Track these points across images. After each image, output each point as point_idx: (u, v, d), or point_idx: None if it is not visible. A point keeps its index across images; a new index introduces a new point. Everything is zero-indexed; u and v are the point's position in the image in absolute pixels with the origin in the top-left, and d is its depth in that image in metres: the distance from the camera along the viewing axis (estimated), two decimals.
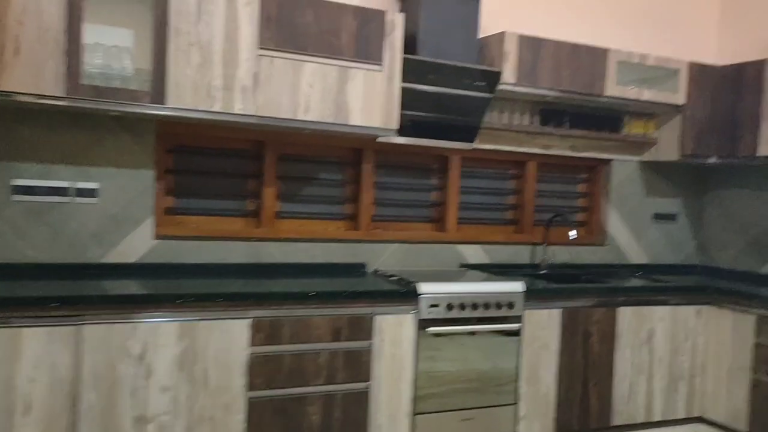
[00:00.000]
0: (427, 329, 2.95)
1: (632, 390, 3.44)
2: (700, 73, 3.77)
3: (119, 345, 2.42)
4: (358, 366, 2.82)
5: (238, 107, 2.75)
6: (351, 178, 3.49)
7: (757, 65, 3.63)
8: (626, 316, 3.40)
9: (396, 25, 3.01)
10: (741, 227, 4.06)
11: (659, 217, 4.17)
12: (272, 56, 2.79)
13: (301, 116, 2.87)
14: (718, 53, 4.22)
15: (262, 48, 2.77)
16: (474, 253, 3.69)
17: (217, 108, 2.71)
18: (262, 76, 2.78)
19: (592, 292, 3.32)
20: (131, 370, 2.44)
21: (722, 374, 3.53)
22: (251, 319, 2.62)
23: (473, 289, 3.06)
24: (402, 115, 3.11)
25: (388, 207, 3.58)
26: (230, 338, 2.59)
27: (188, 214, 3.15)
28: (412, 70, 3.08)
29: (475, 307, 3.04)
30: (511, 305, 3.11)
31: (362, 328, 2.83)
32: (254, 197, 3.28)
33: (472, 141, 3.35)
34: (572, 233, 3.63)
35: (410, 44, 3.20)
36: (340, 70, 2.92)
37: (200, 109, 2.68)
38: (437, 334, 2.98)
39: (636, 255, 4.12)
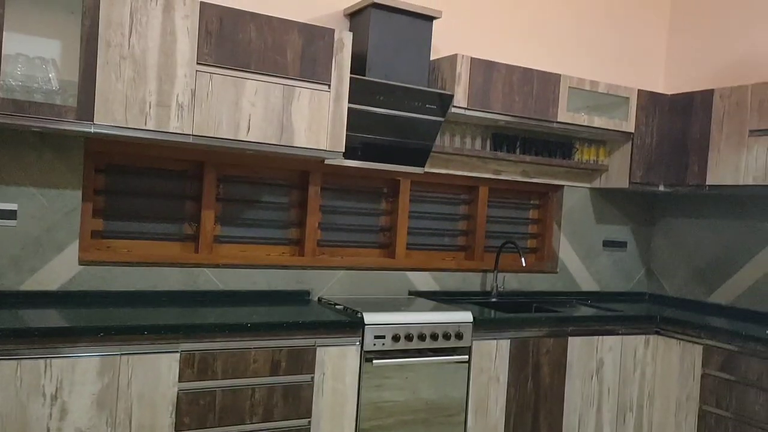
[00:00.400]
0: (372, 361, 2.81)
1: (581, 422, 3.37)
2: (649, 101, 3.78)
3: (30, 383, 2.21)
4: (298, 401, 2.66)
5: (174, 125, 2.58)
6: (296, 202, 3.34)
7: (705, 94, 3.65)
8: (576, 346, 3.33)
9: (344, 44, 2.90)
10: (688, 256, 4.07)
11: (609, 244, 4.15)
12: (212, 72, 2.64)
13: (242, 136, 2.72)
14: (666, 82, 4.25)
15: (200, 63, 2.61)
16: (423, 281, 3.58)
17: (150, 126, 2.54)
18: (201, 93, 2.62)
19: (542, 322, 3.25)
20: (43, 411, 2.23)
21: (670, 405, 3.49)
22: (180, 353, 2.43)
23: (421, 319, 2.94)
24: (350, 137, 2.99)
25: (335, 232, 3.45)
26: (157, 374, 2.40)
27: (118, 237, 2.95)
28: (361, 91, 2.98)
29: (422, 338, 2.92)
30: (459, 336, 3.00)
31: (303, 361, 2.67)
32: (192, 220, 3.10)
33: (422, 165, 3.25)
34: (523, 260, 3.56)
35: (359, 64, 3.09)
36: (284, 89, 2.78)
37: (132, 126, 2.51)
38: (383, 366, 2.84)
39: (586, 282, 4.08)
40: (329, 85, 2.88)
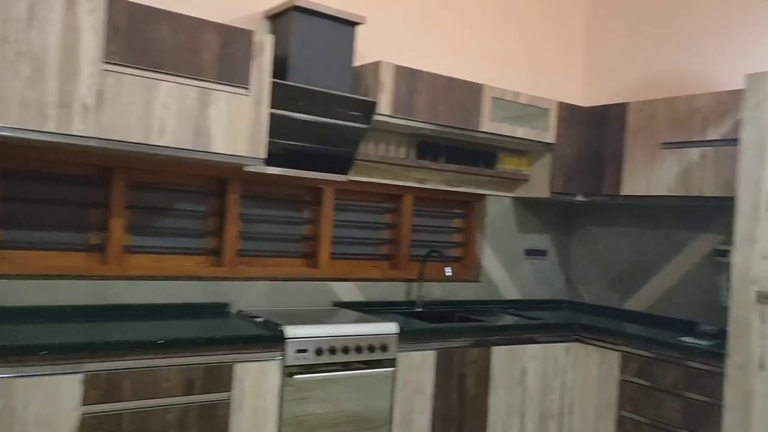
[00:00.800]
0: (294, 376, 2.70)
1: (505, 431, 3.37)
2: (568, 113, 3.86)
3: None
4: (215, 421, 2.52)
5: (78, 128, 2.40)
6: (214, 210, 3.19)
7: (620, 107, 3.76)
8: (500, 355, 3.34)
9: (264, 46, 2.79)
10: (605, 264, 4.17)
11: (531, 252, 4.21)
12: (120, 72, 2.47)
13: (154, 140, 2.56)
14: (584, 94, 4.37)
15: (108, 62, 2.44)
16: (347, 291, 3.50)
17: (51, 128, 2.35)
18: (108, 94, 2.45)
19: (467, 332, 3.23)
20: None
21: (590, 411, 3.55)
22: (83, 374, 2.24)
23: (345, 331, 2.85)
24: (271, 144, 2.88)
25: (255, 241, 3.31)
26: (57, 397, 2.20)
27: (15, 248, 2.71)
28: (282, 96, 2.87)
29: (346, 351, 2.83)
30: (384, 348, 2.93)
31: (220, 379, 2.53)
32: (99, 229, 2.90)
33: (346, 173, 3.18)
34: (448, 270, 3.54)
35: (280, 68, 2.99)
36: (200, 91, 2.65)
37: (30, 128, 2.31)
38: (306, 381, 2.73)
39: (509, 291, 4.11)
40: (248, 89, 2.76)
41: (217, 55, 2.68)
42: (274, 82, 2.84)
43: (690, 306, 3.70)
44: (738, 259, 2.91)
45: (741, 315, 2.88)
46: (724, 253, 3.54)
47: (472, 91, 3.47)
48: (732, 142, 3.22)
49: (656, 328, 3.66)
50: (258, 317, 2.95)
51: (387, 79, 3.19)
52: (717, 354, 3.02)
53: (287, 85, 2.89)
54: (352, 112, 3.08)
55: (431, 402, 3.10)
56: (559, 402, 3.58)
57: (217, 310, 3.10)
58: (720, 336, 3.33)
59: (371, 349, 2.89)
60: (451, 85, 3.40)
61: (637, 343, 3.35)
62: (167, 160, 2.87)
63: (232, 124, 2.72)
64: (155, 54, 2.54)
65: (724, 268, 3.51)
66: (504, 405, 3.35)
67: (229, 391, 2.55)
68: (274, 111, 2.86)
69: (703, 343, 3.18)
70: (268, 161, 2.90)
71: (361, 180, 3.51)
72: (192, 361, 2.47)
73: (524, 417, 3.44)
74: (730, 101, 3.25)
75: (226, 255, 3.17)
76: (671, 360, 3.21)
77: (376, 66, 3.20)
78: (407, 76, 3.25)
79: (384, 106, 3.18)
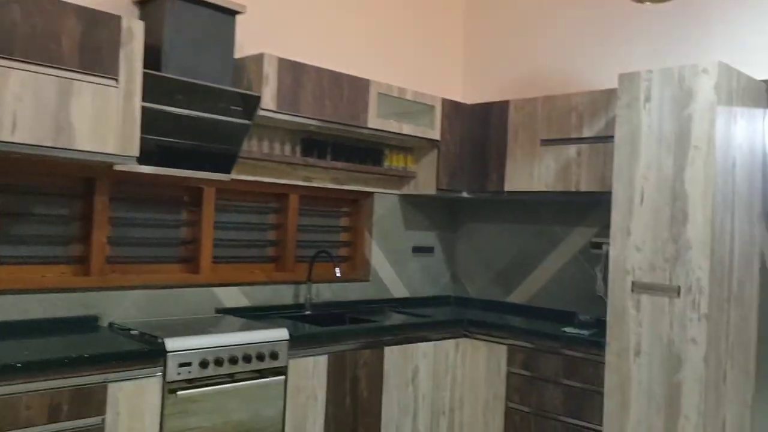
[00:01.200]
0: (177, 393, 2.49)
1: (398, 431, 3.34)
2: (452, 110, 3.89)
3: None
4: None
5: None
6: (80, 214, 2.88)
7: (502, 105, 3.85)
8: (393, 355, 3.29)
9: (134, 34, 2.55)
10: (488, 259, 4.26)
11: (418, 250, 4.21)
12: None
13: (6, 137, 2.25)
14: (465, 92, 4.43)
15: None
16: (232, 296, 3.31)
17: None
18: None
19: (359, 334, 3.15)
20: None
21: (479, 405, 3.60)
22: None
23: (231, 340, 2.68)
24: (145, 141, 2.64)
25: (128, 247, 3.04)
26: None
27: None
28: (156, 89, 2.64)
29: (234, 361, 2.65)
30: (275, 355, 2.79)
31: (91, 402, 2.27)
32: None
33: (228, 171, 2.99)
34: (338, 270, 3.44)
35: (154, 59, 2.75)
36: (61, 82, 2.36)
37: None
38: (190, 397, 2.53)
39: (397, 289, 4.09)
40: (117, 80, 2.51)
41: (79, 42, 2.40)
42: (146, 74, 2.60)
43: (568, 297, 3.86)
44: (614, 251, 3.05)
45: (618, 304, 3.02)
46: (599, 246, 3.72)
47: (358, 87, 3.39)
48: (605, 139, 3.37)
49: (538, 319, 3.78)
50: (133, 330, 2.70)
51: (270, 73, 3.03)
52: (596, 342, 3.15)
53: (161, 76, 2.66)
54: (233, 107, 2.89)
55: (324, 408, 2.99)
56: (450, 398, 3.60)
57: (86, 324, 2.81)
58: (596, 325, 3.49)
59: (261, 357, 2.73)
60: (337, 79, 3.30)
61: (522, 336, 3.44)
62: (23, 158, 2.54)
63: (99, 119, 2.46)
64: (4, 39, 2.23)
65: (599, 260, 3.69)
66: (396, 405, 3.32)
67: (102, 415, 2.30)
68: (148, 105, 2.62)
69: (584, 332, 3.31)
70: (142, 159, 2.65)
71: (244, 179, 3.33)
72: (57, 384, 2.20)
73: (416, 416, 3.42)
74: (604, 100, 3.40)
75: (94, 263, 2.87)
76: (553, 350, 3.31)
77: (258, 58, 3.03)
78: (292, 69, 3.11)
79: (268, 100, 3.02)
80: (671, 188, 2.88)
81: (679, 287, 2.84)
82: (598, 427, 3.12)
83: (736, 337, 3.00)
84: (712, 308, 2.79)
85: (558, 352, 3.30)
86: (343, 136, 3.65)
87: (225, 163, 2.97)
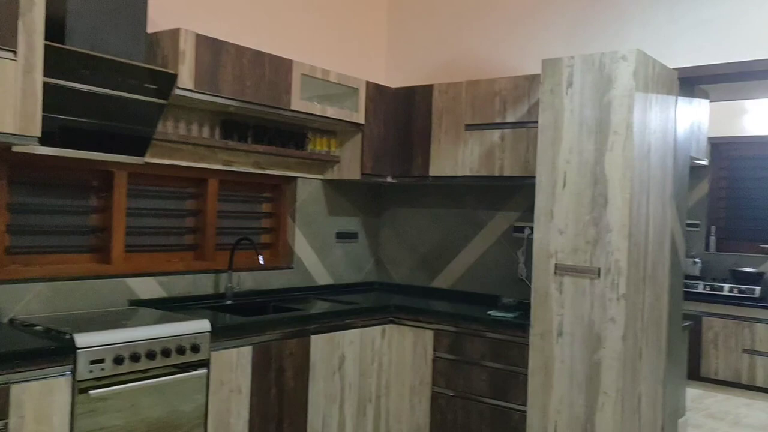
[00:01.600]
0: (89, 392, 2.31)
1: (325, 422, 3.27)
2: (376, 93, 3.83)
3: None
4: None
5: None
6: None
7: (426, 89, 3.82)
8: (319, 344, 3.22)
9: (35, 2, 2.32)
10: (413, 244, 4.25)
11: (342, 236, 4.14)
12: None
13: None
14: (390, 75, 4.38)
15: None
16: (147, 287, 3.12)
17: None
18: None
19: (284, 323, 3.05)
20: None
21: (405, 391, 3.59)
22: None
23: (147, 334, 2.52)
24: (47, 119, 2.42)
25: (29, 236, 2.80)
26: None
27: None
28: (60, 63, 2.42)
29: (151, 356, 2.50)
30: (196, 348, 2.65)
31: None
32: None
33: (142, 154, 2.80)
34: (261, 258, 3.32)
35: (56, 30, 2.52)
36: None
37: None
38: (104, 396, 2.36)
39: (321, 276, 4.00)
40: (15, 53, 2.28)
41: None
42: (48, 46, 2.37)
43: (492, 280, 3.91)
44: (538, 234, 3.09)
45: (541, 286, 3.07)
46: (521, 229, 3.78)
47: (281, 67, 3.27)
48: (529, 124, 3.42)
49: (463, 303, 3.81)
50: (37, 325, 2.49)
51: (188, 50, 2.86)
52: (521, 325, 3.20)
53: (64, 49, 2.44)
54: (146, 85, 2.71)
55: (249, 401, 2.88)
56: (377, 385, 3.57)
57: None
58: (519, 307, 3.55)
59: (181, 351, 2.59)
60: (259, 59, 3.16)
61: (447, 320, 3.45)
62: None
63: None
64: None
65: (521, 244, 3.75)
66: (323, 395, 3.25)
67: (5, 419, 2.10)
68: (50, 80, 2.40)
69: (508, 315, 3.36)
70: (44, 140, 2.43)
71: (159, 162, 3.14)
72: None
73: (343, 405, 3.37)
74: (527, 85, 3.44)
75: None
76: (479, 334, 3.34)
77: (174, 33, 2.85)
78: (211, 46, 2.95)
79: (185, 79, 2.85)
80: (592, 172, 2.95)
81: (599, 269, 2.91)
82: (522, 408, 3.17)
83: (650, 315, 3.12)
84: (630, 288, 2.88)
85: (483, 335, 3.33)
86: (264, 119, 3.51)
87: (138, 146, 2.78)
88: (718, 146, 6.16)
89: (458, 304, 3.75)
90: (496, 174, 3.53)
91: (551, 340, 3.03)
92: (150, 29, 2.96)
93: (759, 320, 5.49)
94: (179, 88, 2.83)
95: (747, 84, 4.23)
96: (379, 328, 3.57)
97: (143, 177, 3.19)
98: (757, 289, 5.62)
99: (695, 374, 5.66)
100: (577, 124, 2.99)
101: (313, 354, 3.18)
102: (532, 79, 3.41)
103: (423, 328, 3.53)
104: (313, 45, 3.89)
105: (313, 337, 3.18)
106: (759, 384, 5.48)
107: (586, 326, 2.94)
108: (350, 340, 3.39)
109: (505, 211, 3.88)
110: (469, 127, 3.64)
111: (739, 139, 5.94)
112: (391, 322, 3.64)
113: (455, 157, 3.68)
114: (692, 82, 3.47)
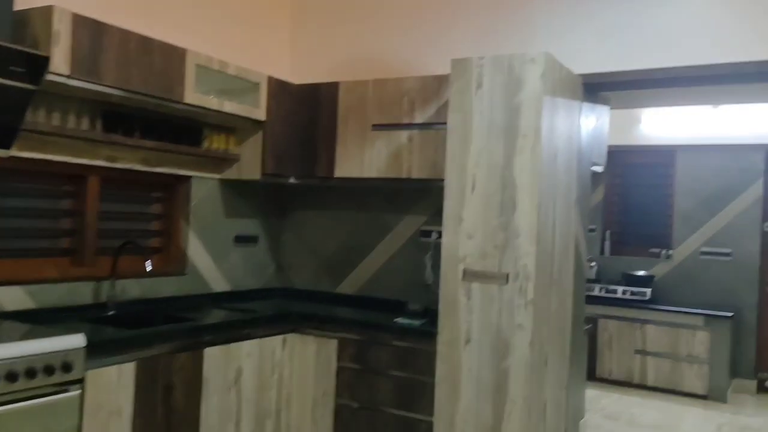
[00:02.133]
0: None
1: None
2: (279, 89, 3.61)
3: None
4: None
5: None
6: None
7: (332, 87, 3.65)
8: (213, 357, 2.96)
9: None
10: (316, 249, 4.07)
11: (241, 240, 3.88)
12: None
13: None
14: (294, 70, 4.17)
15: None
16: (12, 298, 2.75)
17: None
18: None
19: (173, 335, 2.78)
20: None
21: (307, 404, 3.39)
22: None
23: (10, 352, 2.19)
24: None
25: None
26: None
27: None
28: None
29: (12, 378, 2.17)
30: (68, 367, 2.33)
31: None
32: None
33: (7, 147, 2.45)
34: (148, 264, 3.02)
35: None
36: None
37: None
38: None
39: (218, 282, 3.73)
40: None
41: None
42: None
43: (398, 286, 3.79)
44: (446, 238, 3.00)
45: (449, 293, 2.98)
46: (429, 234, 3.69)
47: (173, 56, 2.99)
48: (437, 125, 3.32)
49: (368, 310, 3.66)
50: None
51: (63, 30, 2.54)
52: (428, 332, 3.09)
53: None
54: (13, 68, 2.37)
55: (131, 424, 2.59)
56: (276, 399, 3.35)
57: None
58: (426, 314, 3.44)
59: (49, 370, 2.27)
60: (147, 45, 2.87)
61: (352, 328, 3.29)
62: None
63: None
64: None
65: (428, 248, 3.66)
66: (217, 413, 2.99)
67: None
68: None
69: (416, 322, 3.24)
70: None
71: (28, 156, 2.78)
72: None
73: (240, 422, 3.12)
74: (436, 85, 3.34)
75: None
76: (385, 342, 3.21)
77: (47, 12, 2.52)
78: (90, 28, 2.64)
79: (59, 63, 2.53)
80: (501, 176, 2.88)
81: (507, 274, 2.85)
82: (428, 418, 3.06)
83: (556, 321, 3.10)
84: (538, 294, 2.84)
85: (389, 343, 3.20)
86: (154, 111, 3.21)
87: (2, 137, 2.43)
88: (613, 153, 6.38)
89: (364, 311, 3.60)
90: (404, 176, 3.42)
91: (459, 348, 2.94)
92: (19, 5, 2.61)
93: (649, 321, 5.72)
94: (52, 73, 2.51)
95: (647, 92, 4.37)
96: (279, 337, 3.35)
97: (9, 172, 2.81)
98: (648, 291, 5.86)
99: (591, 375, 5.82)
100: (486, 127, 2.92)
101: (206, 368, 2.92)
102: (441, 80, 3.32)
103: (326, 337, 3.35)
104: (211, 35, 3.62)
105: (206, 350, 2.92)
106: (650, 383, 5.71)
107: (494, 333, 2.87)
108: (248, 352, 3.15)
109: (413, 215, 3.77)
110: (377, 127, 3.51)
111: (633, 147, 6.18)
112: (293, 331, 3.43)
113: (362, 158, 3.54)
114: (595, 88, 3.50)
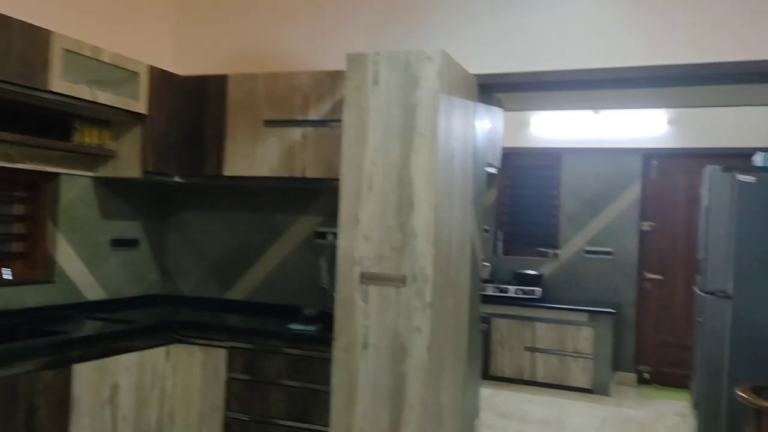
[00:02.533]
0: None
1: None
2: (162, 80, 3.35)
3: None
4: None
5: None
6: None
7: (220, 80, 3.43)
8: (84, 374, 2.67)
9: None
10: (203, 252, 3.82)
11: (118, 243, 3.57)
12: None
13: None
14: (178, 60, 3.89)
15: None
16: None
17: None
18: None
19: (36, 351, 2.48)
20: None
21: (193, 419, 3.16)
22: None
23: None
24: None
25: None
26: None
27: None
28: None
29: None
30: None
31: None
32: None
33: None
34: (6, 271, 2.68)
35: None
36: None
37: None
38: None
39: (92, 290, 3.40)
40: None
41: None
42: None
43: (292, 291, 3.62)
44: (342, 240, 2.88)
45: (346, 296, 2.86)
46: (324, 235, 3.55)
47: (36, 38, 2.68)
48: (332, 123, 3.19)
49: (260, 316, 3.48)
50: None
51: None
52: (323, 338, 2.96)
53: None
54: None
55: None
56: (158, 415, 3.09)
57: None
58: (322, 319, 3.30)
59: None
60: (4, 24, 2.54)
61: (242, 337, 3.10)
62: None
63: None
64: None
65: (324, 250, 3.52)
66: None
67: None
68: None
69: (310, 328, 3.10)
70: None
71: None
72: None
73: None
74: (330, 81, 3.22)
75: None
76: (277, 350, 3.04)
77: None
78: None
79: None
80: (398, 175, 2.80)
81: (405, 276, 2.77)
82: (324, 428, 2.93)
83: (452, 323, 3.06)
84: (435, 296, 2.78)
85: (282, 351, 3.04)
86: (15, 101, 2.87)
87: None
88: (504, 155, 6.52)
89: (255, 318, 3.41)
90: (298, 175, 3.26)
91: (356, 354, 2.83)
92: None
93: (539, 319, 5.89)
94: None
95: (536, 95, 4.46)
96: (162, 349, 3.10)
97: None
98: (538, 290, 6.03)
99: (485, 373, 5.90)
100: (383, 125, 2.83)
101: (76, 386, 2.63)
102: (336, 75, 3.20)
103: (214, 346, 3.14)
104: (83, 17, 3.29)
105: (76, 366, 2.63)
106: (539, 380, 5.87)
107: (392, 337, 2.78)
108: (126, 366, 2.88)
109: (307, 216, 3.62)
110: (268, 123, 3.33)
111: (522, 150, 6.34)
112: (178, 341, 3.18)
113: (252, 155, 3.35)
114: (490, 89, 3.51)
